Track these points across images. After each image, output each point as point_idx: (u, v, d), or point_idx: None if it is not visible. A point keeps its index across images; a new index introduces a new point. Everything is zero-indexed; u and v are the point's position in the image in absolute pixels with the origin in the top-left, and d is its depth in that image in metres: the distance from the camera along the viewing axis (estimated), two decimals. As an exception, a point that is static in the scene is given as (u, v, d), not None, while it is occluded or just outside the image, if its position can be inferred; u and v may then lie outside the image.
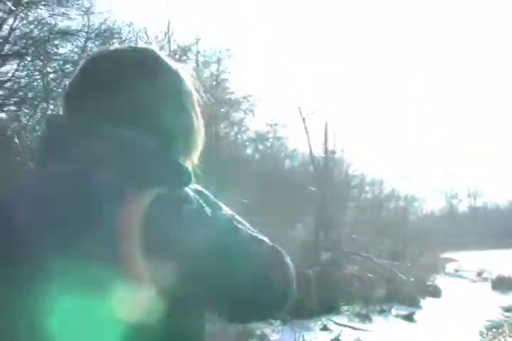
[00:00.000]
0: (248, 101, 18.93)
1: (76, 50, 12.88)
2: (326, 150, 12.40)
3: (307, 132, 12.90)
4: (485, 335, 12.29)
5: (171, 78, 1.39)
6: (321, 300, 10.85)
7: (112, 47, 1.44)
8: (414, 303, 14.61)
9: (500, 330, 13.36)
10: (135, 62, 1.37)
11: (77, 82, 1.37)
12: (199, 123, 1.43)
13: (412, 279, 13.75)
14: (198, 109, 1.43)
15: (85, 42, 12.47)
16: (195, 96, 1.43)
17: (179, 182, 1.30)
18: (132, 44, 1.41)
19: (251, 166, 20.13)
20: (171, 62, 1.41)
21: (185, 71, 1.44)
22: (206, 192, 1.40)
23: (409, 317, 12.60)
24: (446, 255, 33.08)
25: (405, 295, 14.27)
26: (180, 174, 1.32)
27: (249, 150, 21.90)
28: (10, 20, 11.35)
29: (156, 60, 1.39)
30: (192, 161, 1.43)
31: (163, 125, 1.35)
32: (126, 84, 1.33)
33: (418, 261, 17.80)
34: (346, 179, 22.34)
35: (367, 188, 26.89)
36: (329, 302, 11.32)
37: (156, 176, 1.27)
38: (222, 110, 18.42)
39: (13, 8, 10.34)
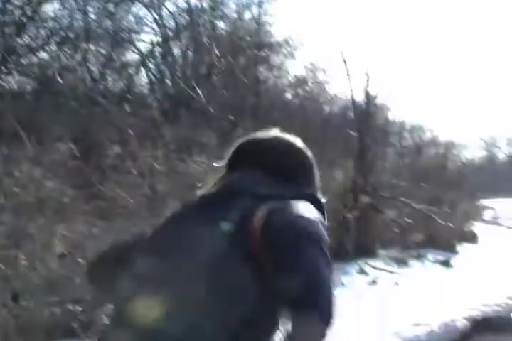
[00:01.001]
0: (289, 44, 18.77)
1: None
2: (367, 95, 12.29)
3: (348, 76, 12.78)
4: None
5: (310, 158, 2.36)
6: (358, 244, 10.93)
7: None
8: (451, 249, 14.62)
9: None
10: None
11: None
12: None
13: (450, 225, 13.72)
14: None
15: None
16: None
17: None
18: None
19: (290, 110, 20.07)
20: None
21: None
22: None
23: (445, 263, 12.62)
24: (484, 202, 32.92)
25: (443, 240, 14.29)
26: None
27: (288, 95, 21.80)
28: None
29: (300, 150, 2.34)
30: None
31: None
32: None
33: (456, 208, 17.72)
34: (386, 125, 22.14)
35: (407, 134, 26.66)
36: (366, 246, 11.39)
37: None
38: (262, 53, 18.28)
39: None
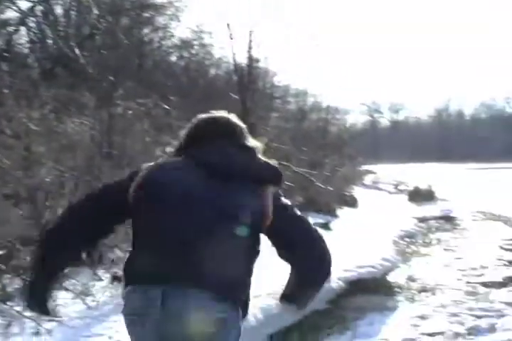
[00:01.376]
0: (174, 6, 18.53)
1: None
2: (249, 58, 12.28)
3: (232, 39, 12.73)
4: (399, 244, 12.67)
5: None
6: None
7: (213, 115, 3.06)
8: (331, 212, 14.94)
9: (413, 240, 13.80)
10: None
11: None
12: None
13: (330, 188, 13.97)
14: None
15: None
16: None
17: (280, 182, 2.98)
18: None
19: (175, 72, 19.94)
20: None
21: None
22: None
23: (325, 226, 12.87)
24: (366, 167, 33.71)
25: (322, 204, 14.55)
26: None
27: (173, 58, 21.61)
28: None
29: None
30: None
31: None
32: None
33: (337, 172, 18.06)
34: (270, 89, 22.26)
35: (291, 99, 26.85)
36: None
37: None
38: (146, 14, 18.00)
39: None
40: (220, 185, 2.78)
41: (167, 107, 12.00)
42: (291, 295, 2.95)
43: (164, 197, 2.81)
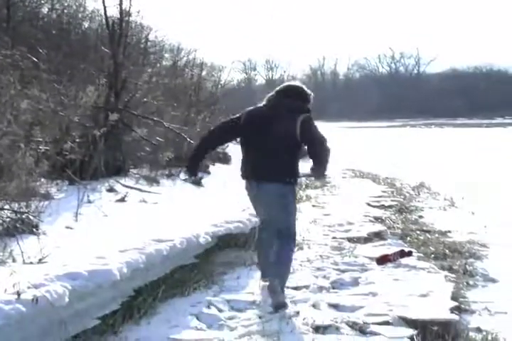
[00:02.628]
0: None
1: None
2: (120, 12, 12.03)
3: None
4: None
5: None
6: (108, 163, 10.84)
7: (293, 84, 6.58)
8: (203, 168, 14.96)
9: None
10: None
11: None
12: None
13: (200, 144, 13.96)
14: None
15: None
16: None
17: (309, 113, 6.18)
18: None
19: (46, 25, 19.40)
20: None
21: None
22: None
23: (197, 182, 12.90)
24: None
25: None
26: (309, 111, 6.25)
27: (45, 9, 20.98)
28: None
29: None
30: None
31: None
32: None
33: (210, 128, 18.05)
34: (145, 44, 22.01)
35: (166, 55, 26.60)
36: (117, 164, 11.34)
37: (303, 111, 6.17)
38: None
39: None
40: (274, 116, 6.16)
41: (35, 60, 11.69)
42: (314, 169, 6.21)
43: (251, 124, 6.28)
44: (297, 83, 6.61)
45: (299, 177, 6.34)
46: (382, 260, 7.74)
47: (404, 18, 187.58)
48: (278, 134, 6.02)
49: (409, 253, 8.05)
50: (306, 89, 6.43)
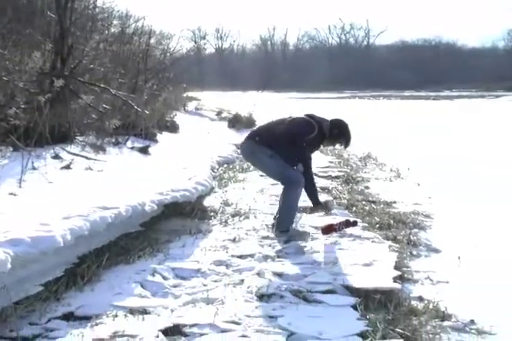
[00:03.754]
0: None
1: None
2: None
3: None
4: (216, 169, 12.85)
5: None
6: (54, 129, 10.71)
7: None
8: (151, 137, 14.90)
9: (231, 166, 14.04)
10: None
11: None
12: None
13: (147, 112, 13.87)
14: None
15: None
16: None
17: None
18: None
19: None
20: None
21: None
22: None
23: (144, 150, 12.83)
24: (190, 94, 33.71)
25: (142, 128, 14.47)
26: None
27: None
28: None
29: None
30: None
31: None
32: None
33: (157, 97, 17.93)
34: (93, 10, 21.63)
35: (114, 21, 26.20)
36: (63, 131, 11.19)
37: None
38: None
39: None
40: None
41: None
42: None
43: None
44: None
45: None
46: (328, 229, 7.79)
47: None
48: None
49: (355, 223, 8.11)
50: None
